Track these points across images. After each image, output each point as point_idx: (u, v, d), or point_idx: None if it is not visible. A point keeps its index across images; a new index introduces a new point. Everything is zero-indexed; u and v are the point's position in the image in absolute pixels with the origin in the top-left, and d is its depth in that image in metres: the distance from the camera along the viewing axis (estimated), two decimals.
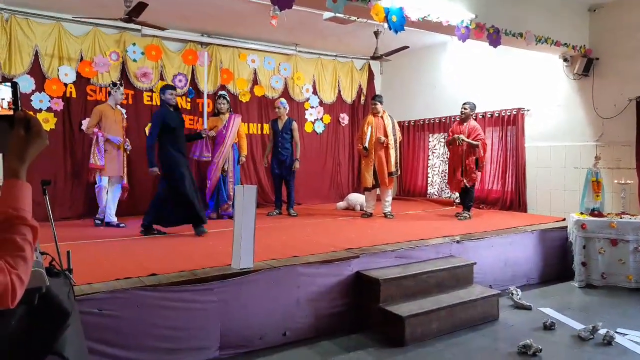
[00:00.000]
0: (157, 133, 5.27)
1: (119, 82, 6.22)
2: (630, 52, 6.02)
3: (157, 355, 3.21)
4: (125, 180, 6.07)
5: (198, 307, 3.39)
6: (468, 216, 6.50)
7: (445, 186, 8.18)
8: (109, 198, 5.94)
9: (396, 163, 6.76)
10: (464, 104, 6.58)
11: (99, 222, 5.95)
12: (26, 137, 1.08)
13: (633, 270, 5.16)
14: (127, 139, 6.20)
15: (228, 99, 6.87)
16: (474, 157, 6.45)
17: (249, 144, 8.13)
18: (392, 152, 6.68)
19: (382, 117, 6.74)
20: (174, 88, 5.51)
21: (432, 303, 4.05)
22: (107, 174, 5.89)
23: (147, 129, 6.79)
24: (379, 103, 6.76)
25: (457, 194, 8.08)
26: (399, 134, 6.91)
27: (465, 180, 6.48)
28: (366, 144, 6.64)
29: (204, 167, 7.02)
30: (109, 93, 6.14)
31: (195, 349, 3.37)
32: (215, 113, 6.77)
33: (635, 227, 5.17)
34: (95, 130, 5.82)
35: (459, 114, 6.72)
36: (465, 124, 6.55)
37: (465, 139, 6.39)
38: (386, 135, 6.65)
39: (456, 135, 6.47)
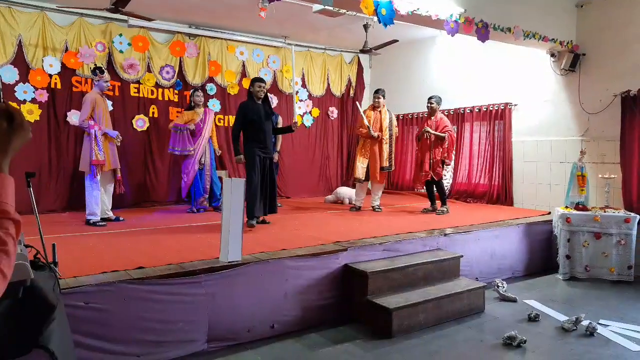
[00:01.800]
0: (240, 124, 5.37)
1: (102, 68, 5.72)
2: (616, 48, 6.08)
3: (144, 348, 3.20)
4: (119, 174, 5.85)
5: (186, 300, 3.38)
6: (446, 210, 6.46)
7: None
8: (104, 193, 5.69)
9: (389, 158, 6.76)
10: (430, 98, 6.60)
11: (103, 222, 5.54)
12: (8, 129, 1.06)
13: (615, 263, 5.25)
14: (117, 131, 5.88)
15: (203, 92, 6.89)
16: (441, 150, 6.45)
17: None
18: (385, 147, 6.69)
19: (380, 111, 6.75)
20: (263, 81, 5.53)
21: (419, 295, 4.09)
22: (105, 169, 5.56)
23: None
24: (382, 97, 6.76)
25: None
26: (395, 129, 6.90)
27: (432, 174, 6.46)
28: (371, 128, 6.60)
29: (180, 162, 6.82)
30: (93, 81, 5.78)
31: (183, 342, 3.36)
32: (191, 107, 6.66)
33: (618, 220, 5.26)
34: (91, 122, 5.44)
35: (426, 109, 6.72)
36: (432, 117, 6.57)
37: (432, 131, 6.41)
38: (381, 130, 6.66)
39: (425, 129, 6.49)
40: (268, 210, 5.50)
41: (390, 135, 6.75)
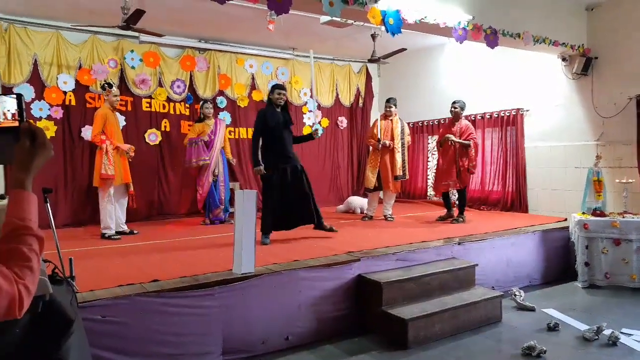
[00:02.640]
0: (259, 132, 5.18)
1: (111, 83, 5.77)
2: (629, 50, 6.03)
3: None
4: (131, 187, 5.85)
5: (200, 313, 3.38)
6: (462, 220, 6.33)
7: (433, 192, 8.04)
8: (118, 207, 5.73)
9: (403, 167, 6.69)
10: (454, 102, 6.44)
11: (118, 236, 5.58)
12: (32, 148, 1.09)
13: (637, 269, 5.13)
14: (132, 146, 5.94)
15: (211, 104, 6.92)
16: (467, 158, 6.30)
17: (248, 148, 8.14)
18: (397, 155, 6.63)
19: (392, 120, 6.73)
20: (283, 88, 5.37)
21: (434, 305, 4.04)
22: (116, 183, 5.59)
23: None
24: (393, 106, 6.74)
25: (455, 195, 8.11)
26: (408, 137, 6.83)
27: (458, 183, 6.32)
28: (380, 137, 6.58)
29: (194, 174, 6.85)
30: (104, 97, 5.77)
31: (197, 355, 3.36)
32: (201, 119, 6.73)
33: (638, 226, 5.14)
34: (102, 137, 5.50)
35: (450, 113, 6.56)
36: (456, 123, 6.41)
37: (456, 139, 6.25)
38: (392, 139, 6.63)
39: (447, 135, 6.31)
40: (304, 220, 5.24)
41: (403, 144, 6.71)
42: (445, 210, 6.65)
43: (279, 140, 5.17)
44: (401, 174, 6.69)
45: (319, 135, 5.52)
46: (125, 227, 5.82)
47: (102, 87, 5.75)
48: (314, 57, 8.72)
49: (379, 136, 6.63)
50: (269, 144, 5.17)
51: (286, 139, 5.24)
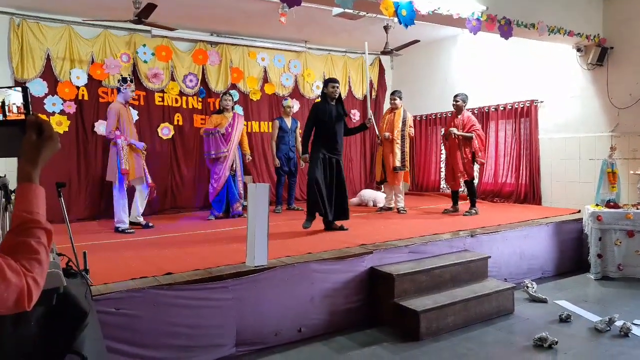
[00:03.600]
0: (311, 124, 5.38)
1: (129, 78, 5.79)
2: None
3: (174, 353, 3.24)
4: (150, 179, 5.87)
5: (213, 305, 3.41)
6: (475, 212, 6.31)
7: (446, 185, 8.03)
8: (137, 198, 5.82)
9: (402, 159, 6.70)
10: (456, 96, 6.44)
11: (131, 230, 5.59)
12: (38, 141, 1.09)
13: None
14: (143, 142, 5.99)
15: (233, 96, 6.86)
16: (471, 150, 6.30)
17: (261, 142, 8.17)
18: (396, 147, 6.68)
19: (396, 112, 6.76)
20: (337, 81, 5.47)
21: (446, 297, 4.04)
22: (130, 177, 5.63)
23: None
24: (397, 98, 6.79)
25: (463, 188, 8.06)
26: (409, 129, 6.82)
27: (465, 174, 6.33)
28: (378, 134, 6.81)
29: (209, 166, 6.74)
30: (119, 90, 5.75)
31: (211, 346, 3.40)
32: (220, 110, 6.68)
33: None
34: (117, 133, 5.52)
35: (452, 107, 6.57)
36: (459, 116, 6.39)
37: (457, 132, 6.26)
38: (392, 131, 6.67)
39: (450, 129, 6.34)
40: (336, 215, 5.36)
41: (403, 136, 6.72)
42: (452, 203, 6.66)
43: (331, 133, 5.34)
44: (399, 165, 6.69)
45: (370, 123, 5.68)
46: (141, 219, 5.85)
47: (122, 81, 5.71)
48: (326, 49, 8.74)
49: (382, 130, 6.79)
50: (321, 136, 5.35)
51: (337, 132, 5.40)
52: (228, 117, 6.60)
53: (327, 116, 5.32)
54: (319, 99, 5.62)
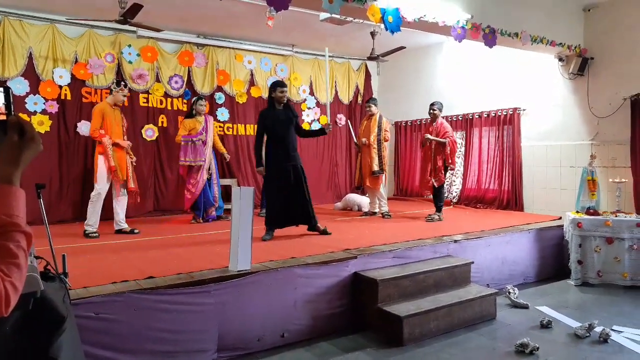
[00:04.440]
0: (260, 131, 5.26)
1: (123, 83, 5.72)
2: (624, 51, 6.04)
3: (154, 359, 3.20)
4: (133, 184, 5.71)
5: (195, 310, 3.38)
6: (438, 217, 6.35)
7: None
8: (117, 205, 5.63)
9: (380, 163, 6.84)
10: (432, 104, 6.56)
11: (95, 234, 5.43)
12: (20, 142, 1.07)
13: (628, 268, 5.18)
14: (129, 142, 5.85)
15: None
16: (442, 157, 6.38)
17: (246, 145, 8.14)
18: (373, 152, 6.82)
19: (372, 118, 6.93)
20: (285, 85, 5.28)
21: (430, 303, 4.06)
22: (117, 177, 5.50)
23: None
24: (373, 105, 6.96)
25: (454, 194, 8.12)
26: (384, 134, 6.93)
27: (433, 180, 6.39)
28: (355, 140, 7.11)
29: (186, 173, 6.60)
30: (110, 91, 5.73)
31: (193, 352, 3.35)
32: (192, 114, 6.54)
33: (630, 225, 5.19)
34: (102, 132, 5.42)
35: (428, 115, 6.66)
36: (434, 124, 6.51)
37: (432, 137, 6.39)
38: (369, 137, 6.83)
39: (426, 135, 6.48)
40: (300, 221, 5.29)
41: (379, 140, 6.86)
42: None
43: (281, 140, 5.17)
44: (377, 169, 6.82)
45: (330, 130, 5.51)
46: (124, 225, 5.68)
47: (118, 84, 5.65)
48: (313, 54, 8.76)
49: (360, 136, 7.01)
50: (272, 144, 5.22)
51: (288, 137, 5.22)
52: (201, 120, 6.53)
53: (277, 123, 5.15)
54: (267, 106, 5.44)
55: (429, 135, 6.43)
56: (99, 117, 5.47)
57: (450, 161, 6.39)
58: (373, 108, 6.91)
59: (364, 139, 6.87)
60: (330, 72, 9.07)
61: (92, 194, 5.50)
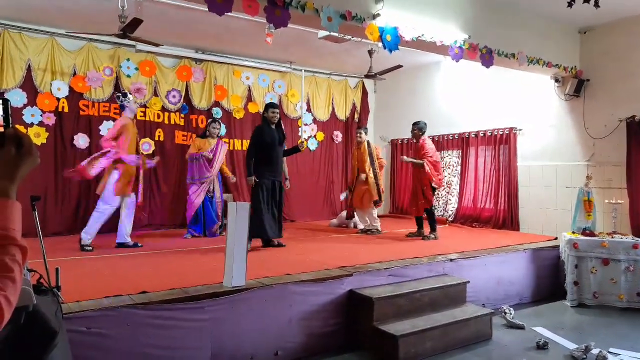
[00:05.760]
0: (254, 146, 5.56)
1: (128, 92, 5.67)
2: (620, 73, 6.11)
3: None
4: (141, 198, 5.68)
5: (189, 326, 3.33)
6: (434, 237, 6.31)
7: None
8: (124, 218, 5.55)
9: (379, 192, 6.91)
10: (414, 124, 6.57)
11: (89, 247, 5.36)
12: (17, 155, 1.05)
13: (624, 289, 5.16)
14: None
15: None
16: (425, 177, 6.30)
17: (243, 160, 8.11)
18: (371, 182, 6.85)
19: (361, 146, 6.98)
20: (277, 107, 5.72)
21: (425, 322, 4.02)
22: (127, 192, 5.46)
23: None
24: (363, 133, 7.04)
25: (450, 212, 8.11)
26: (379, 161, 7.01)
27: (425, 202, 6.34)
28: (355, 171, 7.11)
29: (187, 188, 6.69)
30: (122, 107, 5.65)
31: None
32: (205, 135, 6.68)
33: (626, 246, 5.19)
34: (113, 143, 5.38)
35: (410, 135, 6.74)
36: (418, 143, 6.50)
37: (407, 159, 6.47)
38: (364, 170, 6.89)
39: (401, 157, 6.57)
40: (278, 232, 5.62)
41: (374, 169, 6.91)
42: (416, 227, 6.65)
43: (272, 156, 5.58)
44: (377, 199, 6.90)
45: (304, 148, 5.90)
46: (128, 240, 5.60)
47: (123, 96, 5.65)
48: (310, 71, 8.82)
49: (354, 167, 7.11)
50: (263, 158, 5.55)
51: (278, 155, 5.68)
52: (212, 142, 6.61)
53: (270, 139, 5.54)
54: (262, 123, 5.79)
55: (404, 157, 6.54)
56: (120, 131, 5.45)
57: (433, 180, 6.33)
58: (363, 136, 7.00)
59: (363, 175, 6.88)
60: (327, 89, 9.13)
61: (103, 206, 5.39)
